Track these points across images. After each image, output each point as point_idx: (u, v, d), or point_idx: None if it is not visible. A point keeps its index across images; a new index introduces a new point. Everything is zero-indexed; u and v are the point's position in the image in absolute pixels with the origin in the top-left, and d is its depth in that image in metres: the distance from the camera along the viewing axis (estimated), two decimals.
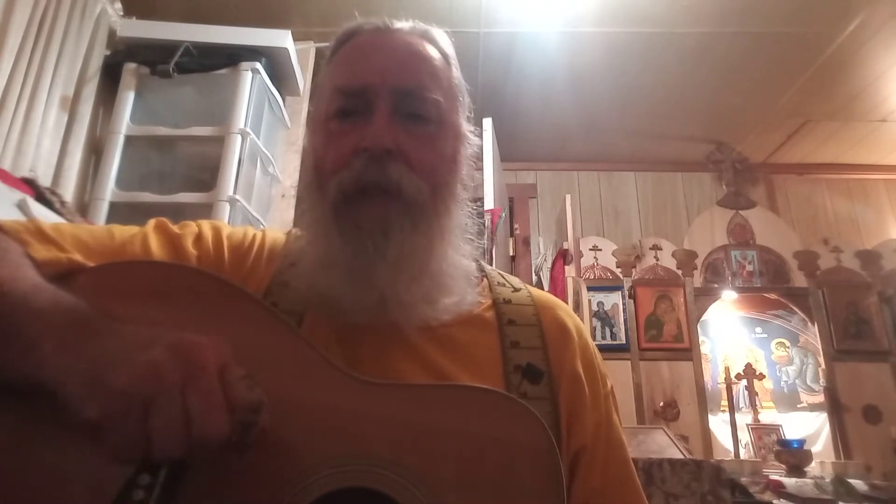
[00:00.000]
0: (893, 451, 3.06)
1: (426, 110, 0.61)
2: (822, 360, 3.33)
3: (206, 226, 0.67)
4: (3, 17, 1.67)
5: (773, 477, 2.47)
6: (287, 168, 2.34)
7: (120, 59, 2.07)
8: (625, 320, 3.37)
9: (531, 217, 3.05)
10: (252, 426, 0.44)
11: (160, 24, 2.13)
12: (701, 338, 3.41)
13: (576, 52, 2.77)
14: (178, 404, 0.40)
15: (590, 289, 3.28)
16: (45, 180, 1.75)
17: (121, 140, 1.97)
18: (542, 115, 3.31)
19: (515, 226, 2.60)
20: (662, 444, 2.20)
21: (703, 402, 3.23)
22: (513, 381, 0.59)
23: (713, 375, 3.41)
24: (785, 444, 2.90)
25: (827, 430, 3.21)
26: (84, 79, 2.00)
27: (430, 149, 0.61)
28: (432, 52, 0.65)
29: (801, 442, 2.82)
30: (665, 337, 3.35)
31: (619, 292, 3.43)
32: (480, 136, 0.74)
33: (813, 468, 2.75)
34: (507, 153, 2.98)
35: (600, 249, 3.57)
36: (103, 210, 1.89)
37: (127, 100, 2.01)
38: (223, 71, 2.05)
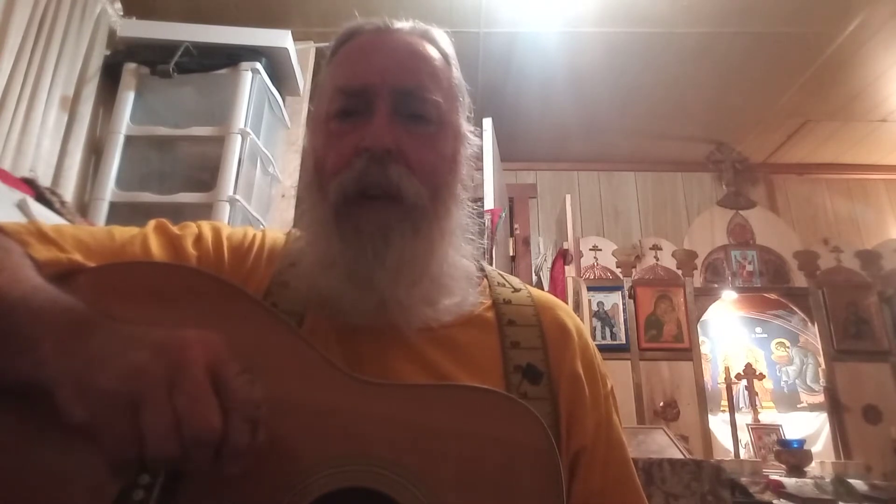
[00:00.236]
0: (893, 451, 3.06)
1: (426, 110, 0.61)
2: (822, 360, 3.33)
3: (205, 226, 0.67)
4: (3, 17, 1.67)
5: (773, 477, 2.47)
6: (287, 168, 2.34)
7: (120, 59, 2.07)
8: (625, 320, 3.37)
9: (531, 217, 3.05)
10: (258, 422, 0.44)
11: (160, 24, 2.13)
12: (701, 338, 3.41)
13: (576, 52, 2.77)
14: (164, 403, 0.39)
15: (590, 289, 3.28)
16: (45, 180, 1.75)
17: (121, 140, 1.97)
18: (542, 115, 3.31)
19: (515, 226, 2.60)
20: (662, 444, 2.20)
21: (703, 402, 3.24)
22: (513, 381, 0.59)
23: (713, 375, 3.41)
24: (785, 444, 2.90)
25: (827, 430, 3.21)
26: (84, 79, 2.00)
27: (431, 149, 0.61)
28: (432, 52, 0.65)
29: (801, 442, 2.82)
30: (665, 337, 3.35)
31: (619, 292, 3.43)
32: (480, 136, 0.74)
33: (813, 468, 2.75)
34: (507, 153, 2.98)
35: (600, 249, 3.57)
36: (103, 210, 1.89)
37: (127, 100, 2.01)
38: (223, 71, 2.05)
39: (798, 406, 3.38)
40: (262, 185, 2.16)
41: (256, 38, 2.11)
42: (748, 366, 3.36)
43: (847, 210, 3.77)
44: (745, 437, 3.22)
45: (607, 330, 3.36)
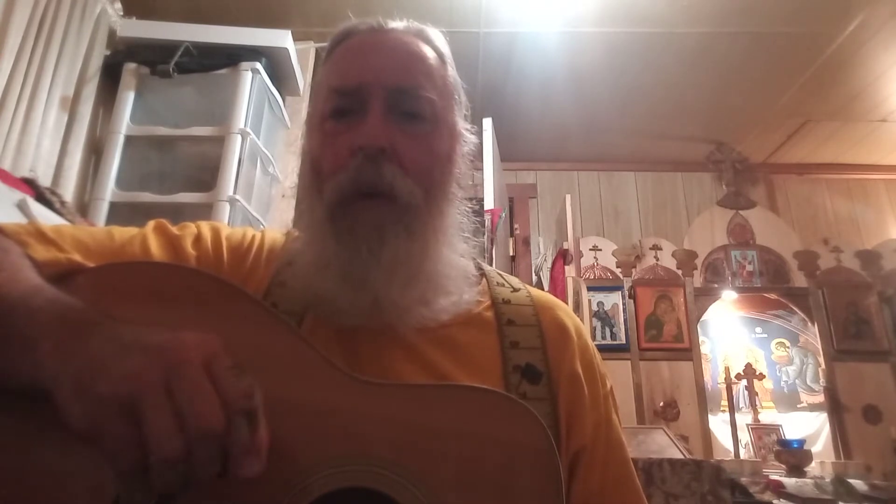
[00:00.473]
0: (893, 451, 3.06)
1: (421, 109, 0.61)
2: (822, 360, 3.33)
3: (205, 227, 0.67)
4: (3, 17, 1.68)
5: (773, 477, 2.47)
6: (287, 168, 2.34)
7: (120, 59, 2.07)
8: (625, 320, 3.37)
9: (531, 217, 3.05)
10: (254, 414, 0.43)
11: (160, 24, 2.14)
12: (701, 338, 3.41)
13: (576, 52, 2.77)
14: (164, 403, 0.39)
15: (590, 289, 3.28)
16: (45, 180, 1.75)
17: (121, 140, 1.97)
18: (542, 115, 3.31)
19: (515, 226, 2.61)
20: (662, 444, 2.20)
21: (703, 402, 3.24)
22: (512, 381, 0.59)
23: (713, 375, 3.41)
24: (785, 444, 2.90)
25: (827, 430, 3.22)
26: (84, 79, 2.00)
27: (425, 148, 0.61)
28: (427, 51, 0.65)
29: (801, 442, 2.82)
30: (665, 337, 3.35)
31: (619, 292, 3.43)
32: (479, 135, 0.74)
33: (813, 468, 2.75)
34: (507, 153, 2.98)
35: (600, 249, 3.57)
36: (103, 210, 1.89)
37: (127, 100, 2.01)
38: (223, 71, 2.05)
39: (798, 406, 3.38)
40: (262, 186, 2.16)
41: (256, 38, 2.11)
42: (748, 366, 3.36)
43: (847, 210, 3.77)
44: (745, 437, 3.22)
45: (607, 330, 3.36)
